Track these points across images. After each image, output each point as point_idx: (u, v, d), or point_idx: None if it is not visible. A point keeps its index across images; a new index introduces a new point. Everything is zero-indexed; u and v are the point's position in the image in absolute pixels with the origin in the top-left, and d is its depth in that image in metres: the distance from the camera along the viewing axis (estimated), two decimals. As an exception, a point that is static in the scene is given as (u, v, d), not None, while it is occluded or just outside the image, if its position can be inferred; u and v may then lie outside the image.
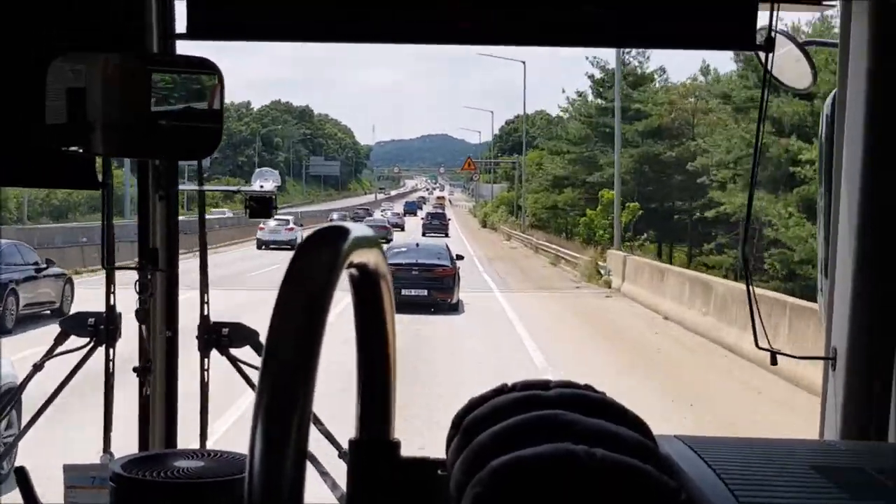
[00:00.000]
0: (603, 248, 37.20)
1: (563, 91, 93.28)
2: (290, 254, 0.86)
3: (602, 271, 33.12)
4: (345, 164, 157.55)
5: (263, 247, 42.58)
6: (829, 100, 2.58)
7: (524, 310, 24.28)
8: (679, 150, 45.84)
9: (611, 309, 25.95)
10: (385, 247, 28.47)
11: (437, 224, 68.49)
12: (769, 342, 2.53)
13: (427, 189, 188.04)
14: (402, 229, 66.81)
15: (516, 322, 22.13)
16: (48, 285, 20.40)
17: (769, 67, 2.45)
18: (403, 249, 26.41)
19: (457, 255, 26.43)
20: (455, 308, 24.33)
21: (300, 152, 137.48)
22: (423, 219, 78.09)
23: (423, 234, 53.20)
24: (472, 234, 72.29)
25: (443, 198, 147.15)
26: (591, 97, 54.10)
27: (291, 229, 42.81)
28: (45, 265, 20.65)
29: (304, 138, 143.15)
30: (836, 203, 2.42)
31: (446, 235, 56.49)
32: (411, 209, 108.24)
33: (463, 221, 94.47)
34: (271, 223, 42.74)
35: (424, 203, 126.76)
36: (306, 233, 0.94)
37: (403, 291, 22.62)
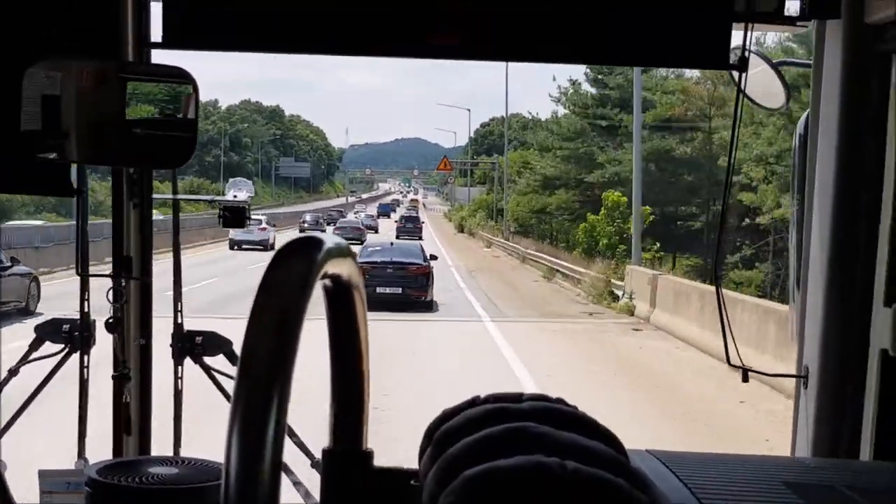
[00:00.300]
0: (615, 262, 30.92)
1: (554, 79, 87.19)
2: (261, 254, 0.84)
3: (617, 292, 25.87)
4: (316, 166, 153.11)
5: (236, 247, 42.03)
6: (802, 118, 2.62)
7: (534, 358, 16.42)
8: (693, 144, 39.82)
9: (656, 356, 17.93)
10: (360, 246, 28.28)
11: (410, 227, 68.19)
12: (741, 359, 2.56)
13: (401, 192, 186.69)
14: (376, 231, 66.55)
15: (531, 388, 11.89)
16: (13, 284, 20.06)
17: (743, 87, 2.48)
18: (378, 248, 26.63)
19: (430, 255, 26.38)
20: (429, 306, 24.12)
21: (270, 153, 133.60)
22: (396, 221, 77.41)
23: (397, 237, 51.85)
24: (448, 239, 66.53)
25: (416, 200, 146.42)
26: (586, 86, 46.42)
27: (264, 229, 42.27)
28: (9, 264, 20.37)
29: (274, 139, 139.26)
30: (809, 221, 2.46)
31: (420, 238, 55.22)
32: (385, 211, 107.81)
33: (438, 226, 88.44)
34: None
35: (398, 206, 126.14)
36: (279, 234, 0.95)
37: (378, 289, 22.62)
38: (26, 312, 19.21)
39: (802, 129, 2.61)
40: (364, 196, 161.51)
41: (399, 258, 24.78)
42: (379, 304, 21.21)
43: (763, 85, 2.76)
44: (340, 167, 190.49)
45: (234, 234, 43.00)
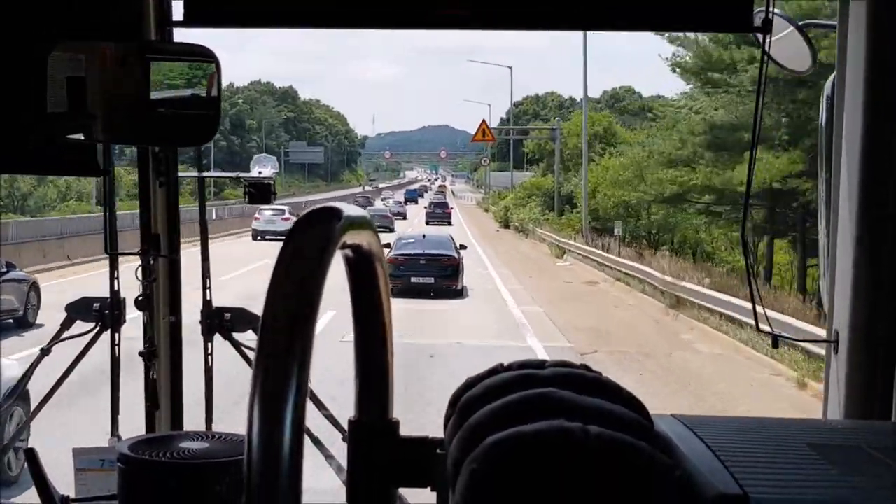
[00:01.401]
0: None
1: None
2: None
3: None
4: (336, 152, 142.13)
5: (259, 237, 40.97)
6: (828, 83, 2.58)
7: None
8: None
9: None
10: (393, 237, 28.81)
11: (439, 213, 66.93)
12: (770, 325, 2.55)
13: (428, 179, 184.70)
14: (404, 217, 65.52)
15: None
16: (9, 291, 17.45)
17: (767, 49, 2.45)
18: (411, 241, 27.70)
19: (460, 245, 27.59)
20: (460, 294, 25.18)
21: (280, 137, 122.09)
22: (425, 207, 75.97)
23: (427, 223, 50.33)
24: (492, 241, 46.25)
25: (444, 186, 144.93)
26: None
27: (287, 219, 40.28)
28: (4, 269, 17.90)
29: (285, 121, 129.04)
30: (837, 187, 2.43)
31: (449, 224, 53.72)
32: (412, 197, 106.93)
33: (473, 218, 70.92)
34: (267, 213, 41.30)
35: (426, 192, 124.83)
36: None
37: (413, 279, 24.35)
38: (24, 324, 17.25)
39: (830, 92, 2.57)
40: (382, 186, 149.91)
41: (431, 250, 26.07)
42: (413, 292, 23.07)
43: (788, 47, 2.72)
44: (363, 153, 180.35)
45: (257, 224, 42.49)
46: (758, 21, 2.42)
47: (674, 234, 38.56)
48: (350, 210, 0.92)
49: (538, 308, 22.45)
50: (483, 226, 60.28)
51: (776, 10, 2.44)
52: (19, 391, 2.77)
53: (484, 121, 58.60)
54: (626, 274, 27.48)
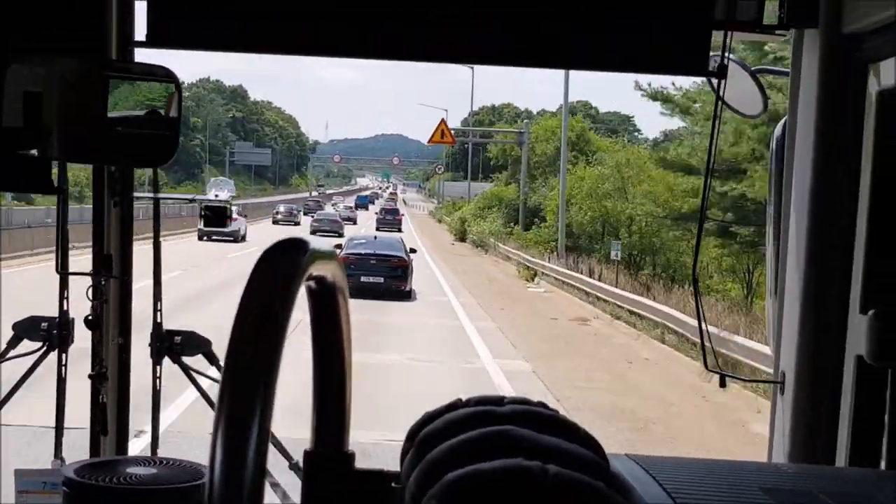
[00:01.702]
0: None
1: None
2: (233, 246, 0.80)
3: None
4: (286, 156, 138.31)
5: (205, 237, 38.57)
6: (780, 124, 2.65)
7: None
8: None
9: None
10: (345, 238, 29.13)
11: (390, 219, 67.69)
12: (718, 364, 2.59)
13: (379, 187, 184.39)
14: (354, 223, 65.89)
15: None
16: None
17: (721, 94, 2.50)
18: (363, 241, 28.57)
19: (410, 249, 28.08)
20: (408, 295, 25.68)
21: (227, 137, 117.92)
22: (376, 213, 76.12)
23: (378, 229, 50.29)
24: (448, 257, 41.07)
25: (395, 194, 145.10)
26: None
27: (234, 220, 37.61)
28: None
29: (233, 120, 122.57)
30: (786, 230, 2.48)
31: (399, 231, 53.67)
32: (363, 203, 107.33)
33: (426, 230, 66.16)
34: None
35: (377, 198, 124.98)
36: (251, 226, 0.93)
37: (363, 278, 24.73)
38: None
39: (780, 133, 2.63)
40: (331, 192, 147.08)
41: (382, 251, 26.76)
42: (361, 292, 22.80)
43: (741, 92, 2.78)
44: (313, 158, 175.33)
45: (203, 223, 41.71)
46: (713, 66, 2.47)
47: (655, 257, 33.41)
48: (316, 242, 0.93)
49: (524, 365, 16.44)
50: (436, 237, 54.87)
51: (731, 56, 2.50)
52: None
53: (443, 120, 53.45)
54: (632, 313, 21.75)
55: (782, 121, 2.62)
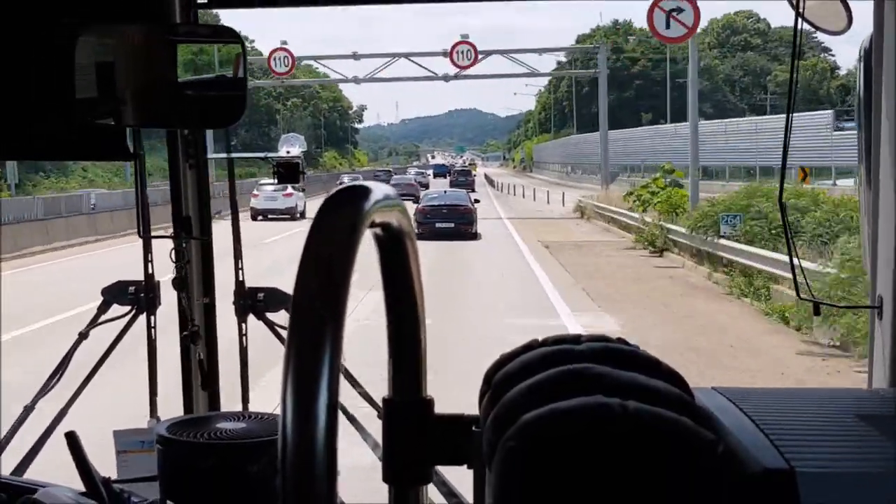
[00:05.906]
0: None
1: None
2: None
3: None
4: (326, 126, 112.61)
5: (259, 217, 35.94)
6: (864, 38, 2.53)
7: None
8: None
9: None
10: (421, 194, 34.69)
11: (462, 181, 71.06)
12: (811, 293, 2.50)
13: (454, 164, 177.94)
14: (428, 188, 66.74)
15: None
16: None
17: (801, 9, 2.40)
18: (435, 195, 35.89)
19: (474, 200, 35.29)
20: (474, 237, 31.71)
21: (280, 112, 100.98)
22: (449, 176, 79.01)
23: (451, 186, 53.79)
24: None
25: (474, 163, 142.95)
26: None
27: (290, 195, 36.07)
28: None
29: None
30: (878, 146, 2.38)
31: (473, 190, 55.41)
32: (441, 172, 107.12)
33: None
34: (267, 189, 36.40)
35: (454, 169, 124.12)
36: (309, 201, 0.91)
37: (437, 224, 31.10)
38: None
39: (867, 45, 2.51)
40: (396, 167, 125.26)
41: (451, 202, 33.80)
42: (437, 235, 29.33)
43: (823, 7, 2.66)
44: (360, 132, 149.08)
45: (256, 202, 36.92)
46: None
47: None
48: (378, 188, 0.91)
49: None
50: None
51: None
52: (60, 375, 2.80)
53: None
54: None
55: (870, 33, 2.50)
